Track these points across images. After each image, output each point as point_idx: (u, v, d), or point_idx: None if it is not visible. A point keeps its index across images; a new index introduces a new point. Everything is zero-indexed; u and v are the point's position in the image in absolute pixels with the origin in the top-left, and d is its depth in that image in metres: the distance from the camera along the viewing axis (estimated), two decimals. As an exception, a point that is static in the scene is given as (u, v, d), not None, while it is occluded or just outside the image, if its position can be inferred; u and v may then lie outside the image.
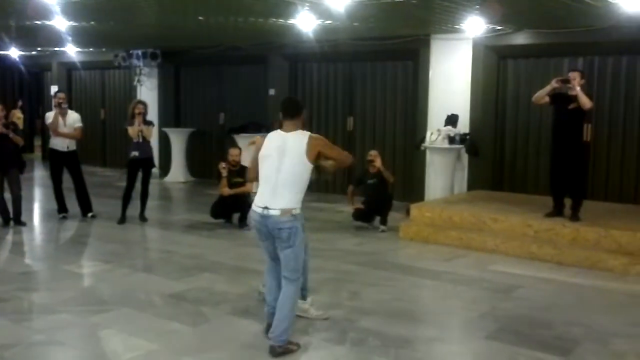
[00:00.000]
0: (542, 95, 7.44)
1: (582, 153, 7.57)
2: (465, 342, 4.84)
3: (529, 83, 9.45)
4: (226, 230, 8.56)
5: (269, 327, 4.48)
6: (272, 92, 11.98)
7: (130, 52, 13.35)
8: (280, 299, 4.41)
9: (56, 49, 14.46)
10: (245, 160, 8.86)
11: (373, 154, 8.61)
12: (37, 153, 18.17)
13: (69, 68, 16.33)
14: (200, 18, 8.42)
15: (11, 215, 8.54)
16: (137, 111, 8.65)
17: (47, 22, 9.03)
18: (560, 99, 7.35)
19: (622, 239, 6.82)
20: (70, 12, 7.98)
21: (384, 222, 8.51)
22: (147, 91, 13.88)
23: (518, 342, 4.65)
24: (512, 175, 9.88)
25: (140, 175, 8.85)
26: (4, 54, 15.34)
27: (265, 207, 4.31)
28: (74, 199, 9.15)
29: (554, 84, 7.30)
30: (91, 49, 14.33)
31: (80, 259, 7.20)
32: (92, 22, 9.10)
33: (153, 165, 9.12)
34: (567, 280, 6.33)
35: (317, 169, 4.50)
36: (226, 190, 8.54)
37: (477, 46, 9.62)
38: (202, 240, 8.02)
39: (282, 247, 4.36)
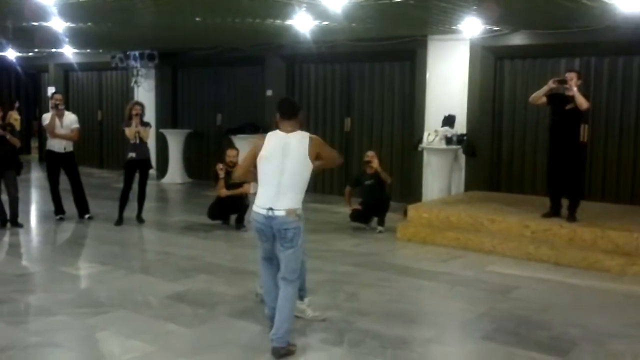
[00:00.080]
0: (539, 96, 7.46)
1: (579, 153, 7.58)
2: (462, 343, 4.84)
3: (526, 84, 9.46)
4: (223, 231, 8.56)
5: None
6: (269, 93, 11.98)
7: (128, 53, 13.33)
8: (281, 301, 4.41)
9: (53, 50, 14.43)
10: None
11: (370, 154, 8.61)
12: (34, 154, 18.14)
13: (66, 69, 16.32)
14: (197, 19, 8.41)
15: (8, 216, 8.52)
16: (134, 112, 8.65)
17: (44, 23, 9.01)
18: (557, 99, 7.36)
19: (619, 239, 6.83)
20: (67, 13, 7.97)
21: (381, 223, 8.51)
22: (145, 92, 13.86)
23: (515, 343, 4.65)
24: (509, 175, 9.88)
25: (137, 176, 8.84)
26: (0, 56, 15.32)
27: (270, 208, 4.32)
28: (71, 200, 9.14)
29: (551, 84, 7.32)
30: (88, 50, 14.31)
31: (77, 260, 7.19)
32: (89, 24, 9.09)
33: (150, 167, 9.11)
34: (564, 280, 6.33)
35: None
36: (223, 192, 8.54)
37: (474, 47, 9.63)
38: (200, 241, 8.01)
39: (285, 247, 4.37)
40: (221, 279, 6.26)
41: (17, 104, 17.34)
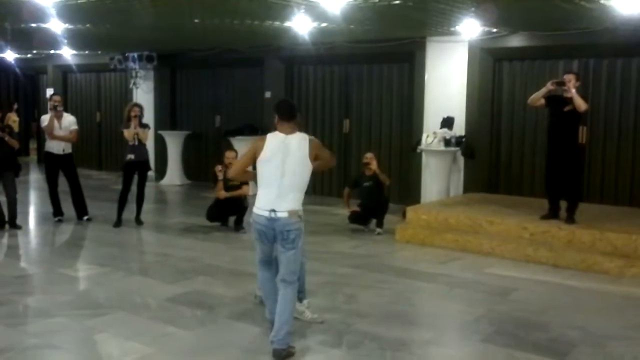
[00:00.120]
0: (537, 98, 7.46)
1: (578, 155, 7.59)
2: (461, 345, 4.84)
3: (525, 85, 9.47)
4: (222, 233, 8.55)
5: None
6: (268, 94, 11.98)
7: (126, 54, 13.33)
8: (281, 304, 4.41)
9: (52, 51, 14.44)
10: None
11: (369, 156, 8.61)
12: (33, 156, 18.13)
13: (65, 71, 16.31)
14: (196, 20, 8.41)
15: (6, 218, 8.51)
16: (133, 114, 8.64)
17: (43, 25, 9.01)
18: (556, 101, 7.37)
19: (617, 241, 6.84)
20: (65, 14, 7.97)
21: (380, 224, 8.51)
22: (143, 94, 13.86)
23: (514, 345, 4.65)
24: (508, 177, 9.89)
25: (136, 178, 8.84)
26: (-1, 57, 15.32)
27: (273, 210, 4.32)
28: (69, 202, 9.14)
29: (549, 86, 7.32)
30: (87, 52, 14.31)
31: (76, 262, 7.18)
32: (88, 25, 9.09)
33: (149, 168, 9.11)
34: (563, 282, 6.34)
35: None
36: (222, 193, 8.53)
37: (472, 49, 9.64)
38: (198, 243, 8.01)
39: (287, 248, 4.38)
40: (220, 280, 6.26)
41: (15, 106, 17.37)
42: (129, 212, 8.94)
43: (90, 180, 13.17)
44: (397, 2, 6.69)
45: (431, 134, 9.66)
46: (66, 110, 9.53)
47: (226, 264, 6.92)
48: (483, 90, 9.76)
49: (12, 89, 18.78)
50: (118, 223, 8.80)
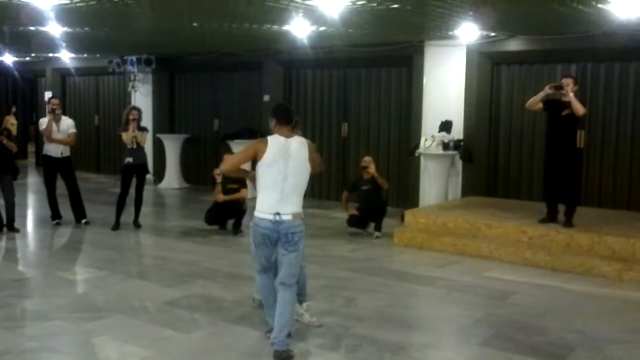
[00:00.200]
0: (535, 102, 7.48)
1: (576, 159, 7.59)
2: (459, 349, 4.83)
3: (523, 89, 9.49)
4: (221, 236, 8.55)
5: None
6: (266, 98, 11.99)
7: (125, 58, 13.34)
8: (281, 306, 4.41)
9: (50, 55, 14.45)
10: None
11: (367, 160, 8.61)
12: (31, 159, 18.13)
13: (63, 74, 16.31)
14: (194, 24, 8.42)
15: (4, 221, 8.50)
16: (131, 117, 8.64)
17: (41, 28, 9.02)
18: (554, 105, 7.38)
19: (615, 245, 6.85)
20: (64, 18, 7.97)
21: (378, 228, 8.52)
22: (142, 97, 13.87)
23: (512, 349, 4.65)
24: (506, 181, 9.90)
25: (134, 181, 8.83)
26: (-3, 60, 15.32)
27: (277, 213, 4.34)
28: (67, 205, 9.13)
29: (547, 90, 7.34)
30: (85, 55, 14.32)
31: (74, 265, 7.17)
32: (86, 28, 9.09)
33: (147, 172, 9.10)
34: (561, 286, 6.34)
35: None
36: (221, 197, 8.53)
37: (470, 52, 9.66)
38: (197, 246, 8.00)
39: (289, 251, 4.40)
40: (218, 284, 6.25)
41: (14, 109, 17.31)
42: (128, 215, 8.93)
43: (89, 183, 13.17)
44: (396, 6, 6.71)
45: (429, 138, 9.67)
46: (64, 114, 9.54)
47: (225, 267, 6.91)
48: (481, 94, 9.78)
49: (10, 92, 18.75)
50: (116, 226, 8.79)
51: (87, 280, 6.51)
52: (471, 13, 7.22)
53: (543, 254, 7.03)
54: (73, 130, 9.05)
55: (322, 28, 8.43)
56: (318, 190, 11.50)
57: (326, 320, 5.12)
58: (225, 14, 7.59)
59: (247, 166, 4.82)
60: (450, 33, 8.88)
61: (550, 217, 7.55)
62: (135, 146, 8.64)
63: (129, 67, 13.41)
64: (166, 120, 14.05)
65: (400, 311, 5.55)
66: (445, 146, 9.55)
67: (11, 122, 15.69)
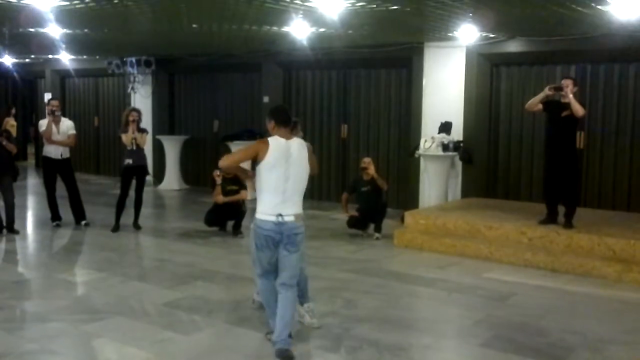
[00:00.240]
0: (535, 103, 7.48)
1: (575, 160, 7.59)
2: (459, 350, 4.83)
3: (522, 90, 9.50)
4: (220, 238, 8.54)
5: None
6: (266, 99, 11.98)
7: (124, 59, 13.34)
8: (283, 306, 4.43)
9: (50, 56, 14.44)
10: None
11: (367, 161, 8.61)
12: (31, 160, 18.13)
13: (63, 75, 16.31)
14: (194, 25, 8.42)
15: (4, 223, 8.49)
16: (131, 119, 8.63)
17: (41, 30, 9.02)
18: (553, 106, 7.38)
19: (615, 246, 6.84)
20: (63, 19, 7.97)
21: (378, 229, 8.51)
22: (141, 99, 13.87)
23: (513, 350, 4.65)
24: (506, 182, 9.90)
25: (134, 182, 8.83)
26: (-3, 62, 15.32)
27: (280, 215, 4.35)
28: (67, 206, 9.12)
29: (546, 91, 7.34)
30: (85, 57, 14.31)
31: (74, 267, 7.17)
32: (86, 30, 9.09)
33: (147, 173, 9.10)
34: (562, 287, 6.34)
35: None
36: (220, 198, 8.53)
37: (470, 54, 9.66)
38: (196, 248, 8.00)
39: (291, 251, 4.42)
40: (218, 285, 6.25)
41: (13, 110, 17.33)
42: (127, 216, 8.92)
43: (88, 185, 13.16)
44: (395, 7, 6.71)
45: (429, 139, 9.66)
46: (64, 115, 9.53)
47: (224, 269, 6.91)
48: (481, 96, 9.78)
49: (10, 93, 18.75)
50: (116, 228, 8.78)
51: (86, 282, 6.51)
52: (470, 14, 7.22)
53: (543, 255, 7.03)
54: (73, 131, 9.05)
55: (322, 29, 8.43)
56: (318, 191, 11.50)
57: (326, 322, 5.12)
58: (225, 16, 7.59)
59: (246, 165, 4.81)
60: (450, 34, 8.89)
61: (550, 219, 7.55)
62: (135, 148, 8.64)
63: (129, 69, 13.42)
64: (166, 122, 14.05)
65: (400, 312, 5.55)
66: (445, 147, 9.55)
67: (11, 123, 15.70)
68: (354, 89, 11.38)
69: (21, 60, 15.54)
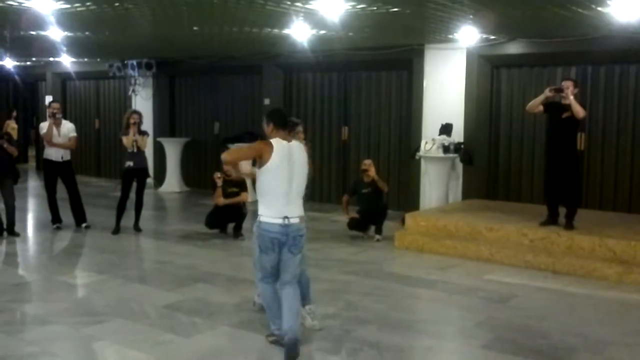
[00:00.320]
0: (535, 104, 7.48)
1: (576, 162, 7.59)
2: (460, 352, 4.83)
3: (523, 92, 9.50)
4: (221, 240, 8.54)
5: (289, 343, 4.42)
6: (267, 101, 11.99)
7: (125, 62, 13.36)
8: (289, 300, 4.47)
9: (51, 59, 14.45)
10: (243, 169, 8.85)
11: (367, 163, 8.61)
12: (32, 163, 18.13)
13: (64, 78, 16.32)
14: (194, 28, 8.43)
15: (5, 225, 8.50)
16: (131, 121, 8.64)
17: (42, 33, 9.03)
18: (554, 108, 7.38)
19: (616, 247, 6.84)
20: (64, 22, 7.98)
21: (379, 231, 8.51)
22: (142, 101, 13.87)
23: (514, 352, 4.64)
24: (507, 184, 9.89)
25: (134, 185, 8.83)
26: (-2, 65, 15.33)
27: (286, 217, 4.38)
28: (68, 209, 9.13)
29: (547, 93, 7.34)
30: (86, 59, 14.33)
31: (74, 269, 7.17)
32: (87, 33, 9.10)
33: (148, 175, 9.10)
34: (563, 289, 6.33)
35: None
36: (221, 200, 8.53)
37: (470, 56, 9.66)
38: (197, 250, 7.99)
39: (295, 253, 4.47)
40: (219, 288, 6.25)
41: (14, 113, 17.37)
42: (128, 219, 8.93)
43: (89, 187, 13.16)
44: (396, 9, 6.71)
45: (430, 141, 9.66)
46: (65, 118, 9.54)
47: (225, 271, 6.91)
48: (481, 97, 9.78)
49: (11, 96, 18.79)
50: (117, 230, 8.78)
51: (87, 285, 6.51)
52: (471, 16, 7.22)
53: (544, 257, 7.02)
54: (73, 134, 9.06)
55: (323, 32, 8.44)
56: (318, 193, 11.50)
57: (327, 324, 5.11)
58: (226, 19, 7.60)
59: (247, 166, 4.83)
60: (450, 36, 8.89)
61: (551, 220, 7.54)
62: (135, 150, 8.65)
63: (130, 71, 13.43)
64: (167, 124, 14.06)
65: (401, 314, 5.54)
66: (446, 149, 9.55)
67: (12, 126, 15.71)
68: (355, 91, 11.38)
69: (22, 63, 15.56)
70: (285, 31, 8.49)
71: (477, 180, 9.87)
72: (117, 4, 6.65)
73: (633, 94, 8.84)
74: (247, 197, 8.68)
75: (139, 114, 8.86)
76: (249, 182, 9.06)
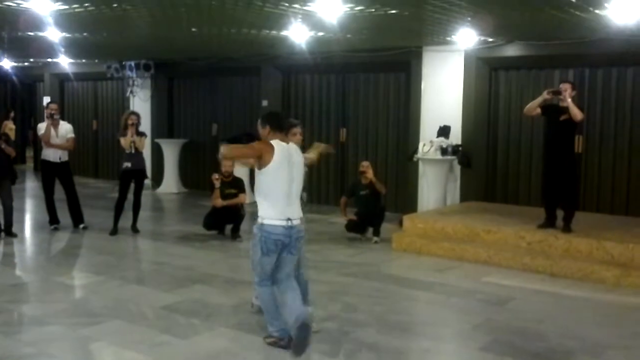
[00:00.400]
0: (533, 107, 7.49)
1: (574, 164, 7.60)
2: (458, 354, 4.83)
3: (521, 94, 9.51)
4: (219, 241, 8.53)
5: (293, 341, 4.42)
6: (265, 103, 11.99)
7: (123, 63, 13.35)
8: (292, 291, 4.51)
9: (49, 60, 14.44)
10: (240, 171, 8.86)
11: (365, 165, 8.61)
12: (29, 164, 18.11)
13: (62, 79, 16.31)
14: (193, 29, 8.43)
15: (2, 226, 8.48)
16: (129, 122, 8.64)
17: (40, 33, 9.02)
18: (552, 110, 7.40)
19: (614, 250, 6.84)
20: (62, 23, 7.97)
21: (377, 233, 8.51)
22: (140, 102, 13.86)
23: (512, 354, 4.64)
24: (505, 186, 9.90)
25: (132, 186, 8.82)
26: (-4, 65, 15.31)
27: (289, 219, 4.41)
28: (65, 210, 9.11)
29: (545, 95, 7.35)
30: (84, 60, 14.32)
31: (72, 270, 7.16)
32: (85, 34, 9.10)
33: (145, 176, 9.10)
34: (560, 291, 6.33)
35: None
36: (219, 202, 8.52)
37: (468, 58, 9.67)
38: (195, 251, 7.99)
39: (294, 254, 4.53)
40: (216, 289, 6.24)
41: (12, 114, 17.34)
42: (125, 220, 8.91)
43: (87, 188, 13.15)
44: (394, 11, 6.72)
45: (428, 143, 9.67)
46: (63, 119, 9.52)
47: (223, 272, 6.90)
48: (479, 99, 9.79)
49: (9, 97, 18.75)
50: (114, 231, 8.77)
51: (84, 286, 6.50)
52: (469, 19, 7.24)
53: (542, 260, 7.02)
54: (71, 135, 9.05)
55: (321, 33, 8.44)
56: (316, 195, 11.50)
57: (325, 326, 5.11)
58: (224, 20, 7.60)
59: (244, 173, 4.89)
60: (448, 38, 8.90)
61: (549, 223, 7.55)
62: (133, 151, 8.64)
63: (128, 72, 13.42)
64: (165, 125, 14.05)
65: (399, 316, 5.54)
66: (444, 151, 9.55)
67: (10, 126, 15.68)
68: (353, 92, 11.39)
69: (20, 64, 15.53)
70: (284, 33, 8.49)
71: (474, 183, 9.88)
72: (115, 5, 6.65)
73: (630, 96, 8.86)
74: (245, 198, 8.69)
75: (137, 115, 8.86)
76: (247, 183, 9.08)
